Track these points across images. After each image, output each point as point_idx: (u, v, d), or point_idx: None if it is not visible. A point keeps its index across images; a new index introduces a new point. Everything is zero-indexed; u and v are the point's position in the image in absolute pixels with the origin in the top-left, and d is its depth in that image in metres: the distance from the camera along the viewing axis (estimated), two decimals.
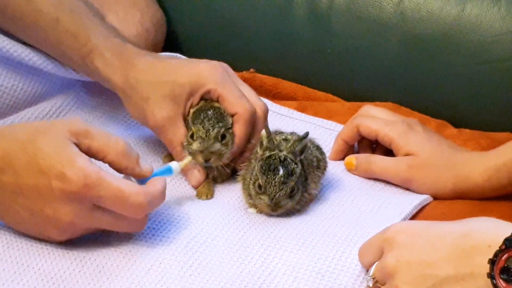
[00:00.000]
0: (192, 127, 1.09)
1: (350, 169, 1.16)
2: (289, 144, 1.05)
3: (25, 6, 1.19)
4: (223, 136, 1.09)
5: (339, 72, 1.40)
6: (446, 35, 1.31)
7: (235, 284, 0.94)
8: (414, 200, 1.10)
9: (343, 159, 1.19)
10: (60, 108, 1.25)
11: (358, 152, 1.20)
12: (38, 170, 0.94)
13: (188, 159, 1.08)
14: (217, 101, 1.11)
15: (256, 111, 1.12)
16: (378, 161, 1.14)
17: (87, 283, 0.94)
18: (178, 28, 1.49)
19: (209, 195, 1.11)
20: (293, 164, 1.03)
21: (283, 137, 1.07)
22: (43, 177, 0.93)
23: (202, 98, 1.12)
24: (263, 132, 1.06)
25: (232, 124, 1.10)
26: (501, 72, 1.29)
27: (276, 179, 1.02)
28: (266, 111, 1.15)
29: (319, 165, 1.09)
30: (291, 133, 1.09)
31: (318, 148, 1.11)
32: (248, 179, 1.06)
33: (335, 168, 1.17)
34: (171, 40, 1.47)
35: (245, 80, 1.36)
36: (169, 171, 1.05)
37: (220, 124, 1.09)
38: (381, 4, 1.34)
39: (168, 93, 1.11)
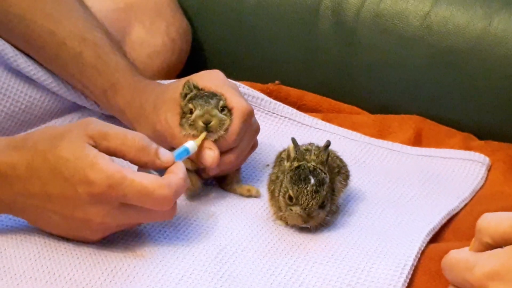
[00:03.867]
0: (189, 104, 1.08)
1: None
2: (312, 155, 1.05)
3: (48, 38, 1.20)
4: (223, 109, 1.08)
5: (364, 85, 1.41)
6: (473, 49, 1.31)
7: None
8: (442, 211, 1.10)
9: None
10: None
11: None
12: (62, 178, 0.95)
13: (203, 134, 1.07)
14: None
15: (253, 112, 1.11)
16: None
17: None
18: (204, 39, 1.50)
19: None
20: (323, 174, 1.03)
21: (304, 147, 1.07)
22: (68, 184, 0.95)
23: None
24: (290, 144, 1.06)
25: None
26: None
27: (308, 188, 1.01)
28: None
29: (340, 171, 1.09)
30: (310, 143, 1.09)
31: (338, 157, 1.11)
32: (277, 193, 1.05)
33: (361, 180, 1.17)
34: (196, 51, 1.48)
35: (270, 92, 1.38)
36: (186, 151, 1.05)
37: (219, 97, 1.08)
38: (407, 17, 1.35)
39: (170, 98, 1.11)
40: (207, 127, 1.07)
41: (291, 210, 1.02)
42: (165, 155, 0.99)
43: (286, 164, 1.05)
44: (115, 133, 0.97)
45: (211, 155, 1.07)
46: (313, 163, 1.03)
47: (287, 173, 1.04)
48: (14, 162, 0.96)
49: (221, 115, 1.08)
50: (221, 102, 1.08)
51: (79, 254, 0.99)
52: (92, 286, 0.95)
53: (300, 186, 1.01)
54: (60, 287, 0.95)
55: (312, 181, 1.01)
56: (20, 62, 1.22)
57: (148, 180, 0.95)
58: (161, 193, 0.95)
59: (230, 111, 1.09)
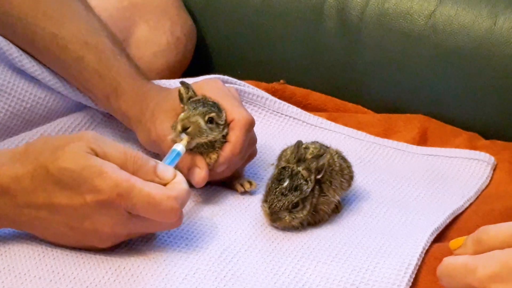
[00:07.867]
0: (186, 105, 1.07)
1: (454, 248, 0.83)
2: (308, 153, 1.05)
3: (50, 41, 1.19)
4: (211, 120, 1.06)
5: (369, 84, 1.41)
6: (478, 48, 1.31)
7: None
8: (447, 210, 1.10)
9: None
10: (91, 119, 1.26)
11: None
12: (69, 189, 0.94)
13: (186, 138, 1.05)
14: None
15: (254, 122, 1.10)
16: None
17: None
18: (208, 37, 1.50)
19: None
20: (302, 180, 1.03)
21: (304, 146, 1.07)
22: (75, 194, 0.94)
23: None
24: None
25: (227, 128, 1.08)
26: None
27: (277, 189, 1.02)
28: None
29: (343, 173, 1.08)
30: (313, 142, 1.09)
31: (343, 157, 1.11)
32: None
33: (366, 179, 1.17)
34: (201, 50, 1.48)
35: (275, 91, 1.38)
36: (178, 155, 1.04)
37: (213, 109, 1.07)
38: (412, 16, 1.35)
39: (170, 108, 1.11)
40: (184, 133, 1.05)
41: (264, 206, 1.04)
42: (163, 172, 0.98)
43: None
44: (115, 151, 0.96)
45: (199, 175, 1.07)
46: (300, 168, 1.03)
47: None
48: (19, 175, 0.95)
49: (202, 124, 1.05)
50: (213, 114, 1.06)
51: (83, 254, 0.99)
52: (96, 285, 0.95)
53: (273, 185, 1.03)
54: (64, 286, 0.95)
55: (285, 183, 1.02)
56: (25, 63, 1.22)
57: (156, 190, 0.94)
58: (168, 204, 0.94)
59: (218, 125, 1.07)
